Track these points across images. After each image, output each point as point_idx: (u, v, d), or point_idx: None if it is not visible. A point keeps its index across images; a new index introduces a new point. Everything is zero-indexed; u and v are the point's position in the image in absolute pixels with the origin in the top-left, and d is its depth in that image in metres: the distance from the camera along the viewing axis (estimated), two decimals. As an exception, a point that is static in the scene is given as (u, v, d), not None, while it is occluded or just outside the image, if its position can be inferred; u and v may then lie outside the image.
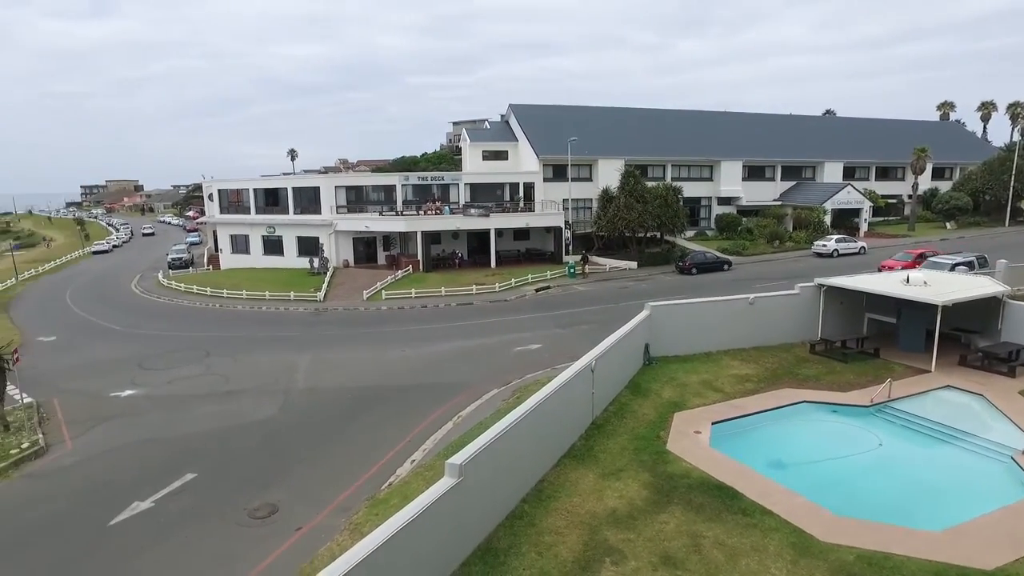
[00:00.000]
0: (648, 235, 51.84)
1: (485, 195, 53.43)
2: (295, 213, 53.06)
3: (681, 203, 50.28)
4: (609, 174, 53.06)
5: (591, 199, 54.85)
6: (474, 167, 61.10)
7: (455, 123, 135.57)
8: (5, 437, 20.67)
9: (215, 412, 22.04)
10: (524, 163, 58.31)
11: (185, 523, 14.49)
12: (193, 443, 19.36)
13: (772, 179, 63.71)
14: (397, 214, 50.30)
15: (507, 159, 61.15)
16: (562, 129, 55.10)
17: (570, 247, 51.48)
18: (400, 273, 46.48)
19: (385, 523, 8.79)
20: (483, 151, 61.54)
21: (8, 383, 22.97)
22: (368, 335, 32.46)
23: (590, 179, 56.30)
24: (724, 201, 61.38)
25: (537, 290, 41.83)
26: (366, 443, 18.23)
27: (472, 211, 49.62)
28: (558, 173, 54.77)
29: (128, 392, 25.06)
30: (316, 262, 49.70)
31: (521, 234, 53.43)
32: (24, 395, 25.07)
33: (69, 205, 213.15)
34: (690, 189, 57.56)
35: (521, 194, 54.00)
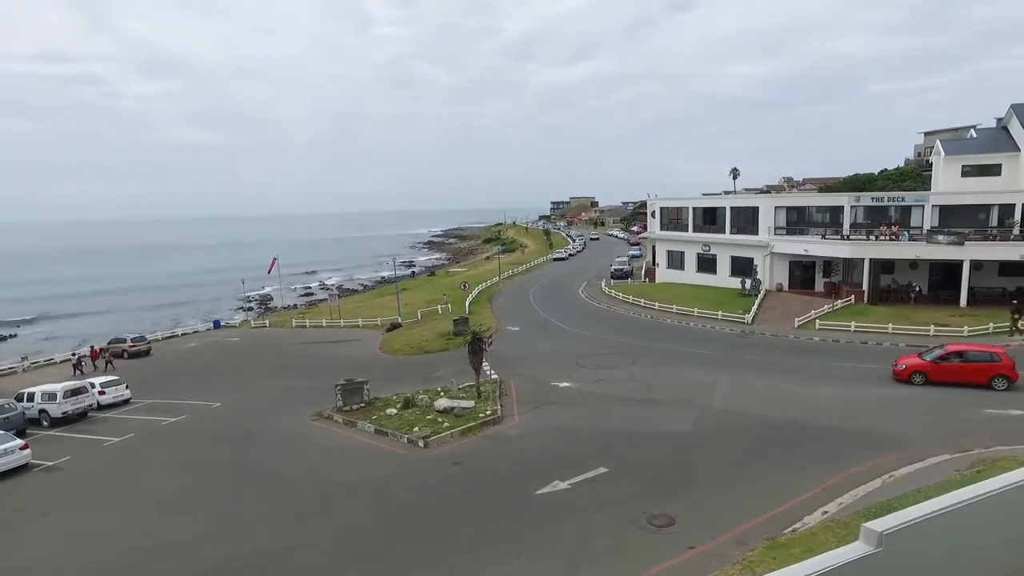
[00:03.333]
0: None
1: (960, 218, 44.49)
2: (731, 232, 52.92)
3: None
4: None
5: None
6: (948, 185, 51.53)
7: (926, 134, 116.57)
8: (478, 403, 25.70)
9: (633, 416, 23.45)
10: None
11: (591, 510, 15.75)
12: (609, 440, 20.96)
13: None
14: (842, 238, 45.72)
15: (999, 174, 49.83)
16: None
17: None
18: (839, 302, 42.16)
19: (782, 570, 7.96)
20: (963, 165, 51.44)
21: (484, 361, 28.58)
22: (794, 365, 30.32)
23: None
24: None
25: (1025, 341, 33.00)
26: (775, 479, 17.00)
27: (940, 238, 41.89)
28: (1078, 192, 42.22)
29: (565, 384, 28.57)
30: (748, 283, 48.71)
31: (1010, 268, 42.92)
32: (492, 372, 30.85)
33: (540, 218, 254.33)
34: None
35: (1017, 218, 43.32)
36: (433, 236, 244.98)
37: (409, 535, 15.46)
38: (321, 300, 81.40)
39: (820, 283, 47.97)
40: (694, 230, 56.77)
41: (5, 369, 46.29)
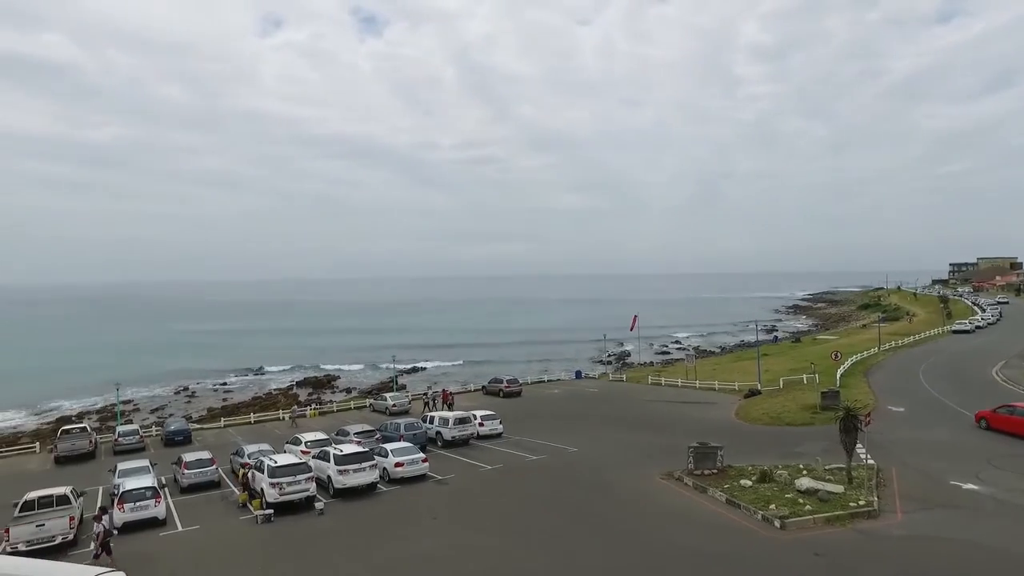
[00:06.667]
0: None
1: None
2: None
3: None
4: None
5: None
6: None
7: None
8: (848, 489, 22.32)
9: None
10: None
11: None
12: (1041, 569, 16.01)
13: None
14: None
15: None
16: None
17: None
18: None
19: None
20: None
21: (858, 442, 24.82)
22: None
23: None
24: None
25: None
26: None
27: None
28: None
29: (970, 485, 23.01)
30: None
31: None
32: (868, 457, 26.54)
33: (935, 282, 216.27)
34: None
35: None
36: (799, 299, 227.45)
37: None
38: (677, 359, 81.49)
39: None
40: None
41: (418, 395, 56.58)
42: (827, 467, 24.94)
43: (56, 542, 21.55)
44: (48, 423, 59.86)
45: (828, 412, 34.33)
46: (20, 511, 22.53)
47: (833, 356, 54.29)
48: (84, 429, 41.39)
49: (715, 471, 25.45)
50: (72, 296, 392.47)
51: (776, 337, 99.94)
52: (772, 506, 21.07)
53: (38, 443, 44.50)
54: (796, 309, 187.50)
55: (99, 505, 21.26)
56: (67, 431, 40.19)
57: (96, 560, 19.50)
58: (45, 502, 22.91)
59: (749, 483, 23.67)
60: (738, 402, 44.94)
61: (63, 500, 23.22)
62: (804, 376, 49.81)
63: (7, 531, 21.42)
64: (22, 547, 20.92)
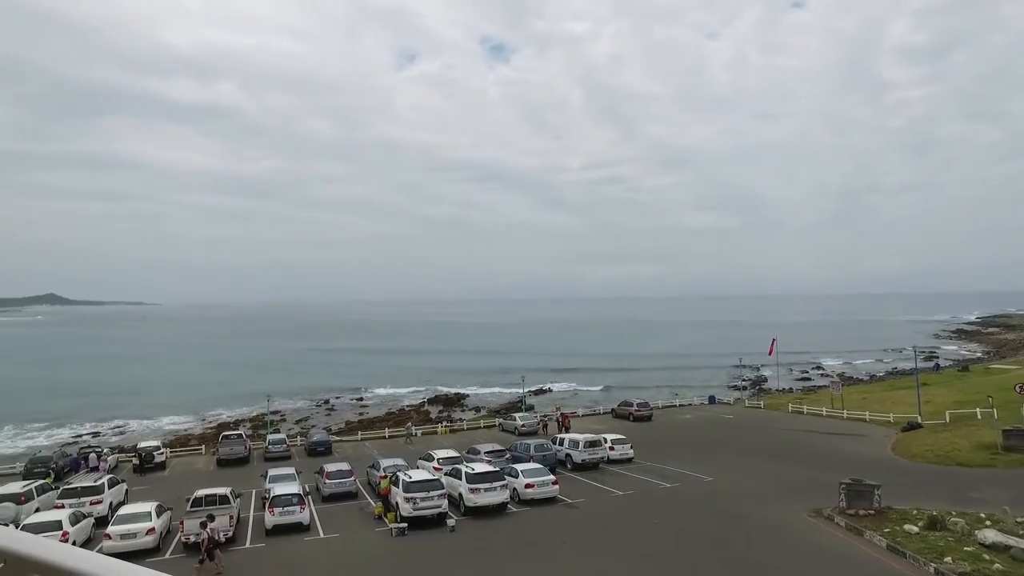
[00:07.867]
0: None
1: None
2: None
3: None
4: None
5: None
6: None
7: None
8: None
9: None
10: None
11: None
12: None
13: None
14: None
15: None
16: None
17: None
18: None
19: None
20: None
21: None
22: None
23: None
24: None
25: None
26: None
27: None
28: None
29: None
30: None
31: None
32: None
33: None
34: None
35: None
36: (964, 323, 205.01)
37: None
38: (820, 387, 75.75)
39: None
40: None
41: (545, 416, 56.35)
42: (1019, 519, 21.77)
43: (219, 538, 23.31)
44: (211, 428, 65.61)
45: (1014, 454, 30.26)
46: (191, 506, 24.65)
47: (1017, 389, 47.93)
48: (240, 436, 44.99)
49: (871, 512, 23.09)
50: (228, 315, 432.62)
51: (937, 365, 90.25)
52: (947, 559, 18.63)
53: (203, 446, 49.15)
54: (961, 334, 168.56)
55: (206, 514, 22.66)
56: (227, 437, 43.90)
57: (200, 565, 20.75)
58: (210, 500, 24.96)
59: (915, 529, 21.19)
60: (894, 436, 40.82)
61: (224, 500, 25.19)
62: (978, 410, 44.36)
63: (182, 522, 23.54)
64: (192, 538, 22.82)
